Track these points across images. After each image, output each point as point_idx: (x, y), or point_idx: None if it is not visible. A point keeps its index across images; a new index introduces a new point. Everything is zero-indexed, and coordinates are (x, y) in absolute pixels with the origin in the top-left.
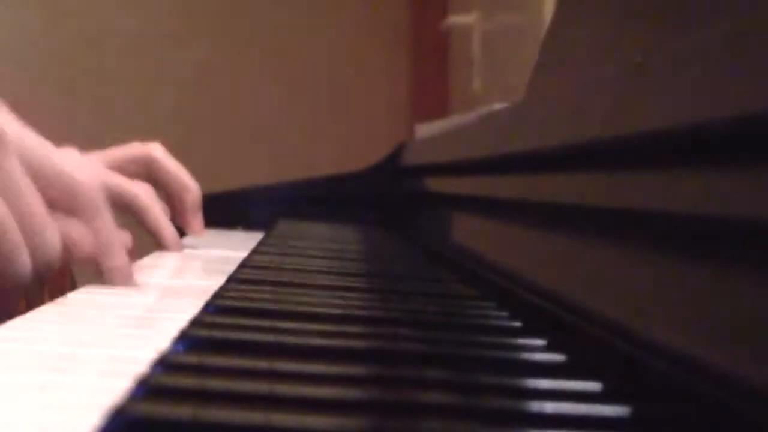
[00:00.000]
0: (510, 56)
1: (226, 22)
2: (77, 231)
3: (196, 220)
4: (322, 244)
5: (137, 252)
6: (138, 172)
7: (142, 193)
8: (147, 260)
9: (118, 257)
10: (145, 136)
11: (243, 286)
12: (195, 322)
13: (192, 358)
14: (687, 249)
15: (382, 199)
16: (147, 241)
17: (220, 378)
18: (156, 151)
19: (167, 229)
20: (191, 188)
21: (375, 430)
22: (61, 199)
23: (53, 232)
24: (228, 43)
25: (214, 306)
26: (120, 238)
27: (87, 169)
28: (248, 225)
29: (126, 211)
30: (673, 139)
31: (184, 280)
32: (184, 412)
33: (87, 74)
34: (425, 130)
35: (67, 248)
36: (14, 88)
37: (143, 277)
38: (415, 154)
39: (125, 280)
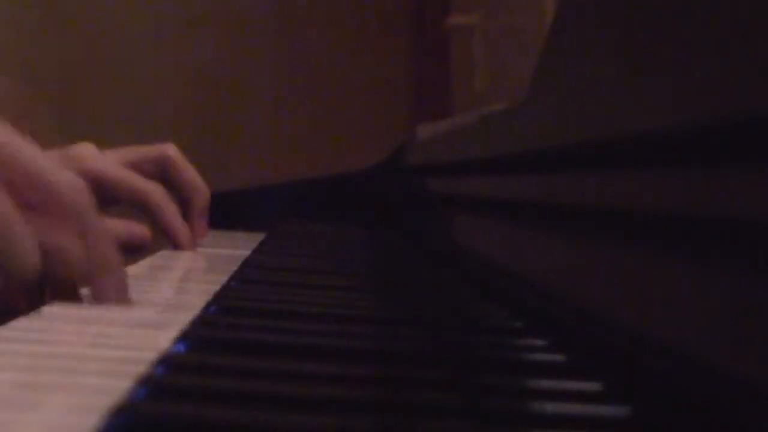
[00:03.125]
0: (512, 57)
1: (226, 22)
2: (65, 239)
3: (202, 222)
4: (323, 244)
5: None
6: (152, 171)
7: (157, 191)
8: (149, 260)
9: (111, 271)
10: (145, 136)
11: (245, 286)
12: (197, 322)
13: (194, 358)
14: (687, 249)
15: (383, 199)
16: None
17: (221, 378)
18: (171, 152)
19: (181, 229)
20: (202, 191)
21: (376, 430)
22: (44, 204)
23: (28, 239)
24: (228, 44)
25: (216, 306)
26: (114, 247)
27: (100, 161)
28: (249, 225)
29: (140, 208)
30: (672, 139)
31: (186, 279)
32: (185, 412)
33: (87, 74)
34: (427, 130)
35: (53, 258)
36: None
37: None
38: (417, 154)
39: (118, 296)
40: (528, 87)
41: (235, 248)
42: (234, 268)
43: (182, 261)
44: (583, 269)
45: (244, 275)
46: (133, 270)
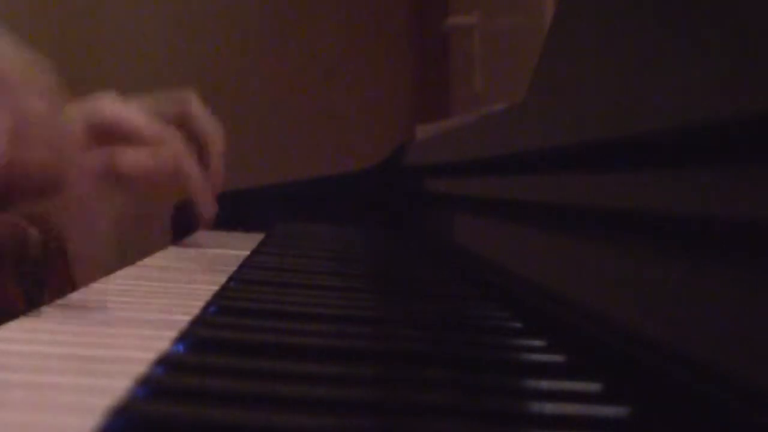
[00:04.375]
0: (511, 57)
1: (226, 22)
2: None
3: (219, 170)
4: (323, 244)
5: (130, 252)
6: (172, 121)
7: (178, 141)
8: (148, 260)
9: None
10: None
11: (244, 286)
12: (196, 322)
13: (193, 358)
14: (687, 249)
15: (383, 200)
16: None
17: (220, 378)
18: (192, 107)
19: (200, 180)
20: (218, 140)
21: (376, 430)
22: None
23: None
24: (227, 44)
25: (215, 306)
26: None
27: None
28: (248, 225)
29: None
30: (673, 139)
31: (185, 280)
32: (184, 412)
33: (87, 74)
34: (426, 130)
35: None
36: None
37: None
38: (416, 154)
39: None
40: (527, 87)
41: (235, 248)
42: (233, 268)
43: (181, 261)
44: (583, 269)
45: (243, 275)
46: (133, 270)
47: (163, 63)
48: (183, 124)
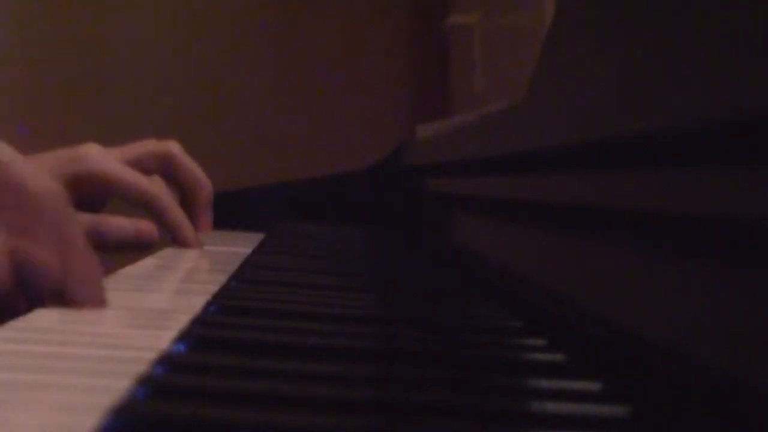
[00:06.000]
0: (511, 56)
1: (226, 22)
2: (40, 251)
3: (206, 217)
4: (323, 244)
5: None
6: (155, 167)
7: (162, 193)
8: (150, 260)
9: (85, 281)
10: (145, 136)
11: (245, 286)
12: (196, 322)
13: (193, 358)
14: (686, 249)
15: (383, 199)
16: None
17: (221, 378)
18: (174, 149)
19: (188, 229)
20: (205, 185)
21: (375, 430)
22: (20, 213)
23: None
24: (228, 44)
25: (216, 305)
26: (89, 254)
27: (101, 159)
28: (249, 225)
29: (145, 209)
30: (672, 139)
31: (186, 279)
32: (184, 412)
33: (87, 75)
34: (426, 130)
35: (28, 270)
36: (15, 89)
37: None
38: (416, 153)
39: (92, 304)
40: (527, 87)
41: (235, 248)
42: (234, 268)
43: (182, 261)
44: (583, 269)
45: (244, 275)
46: (134, 269)
47: (163, 63)
48: (166, 171)
